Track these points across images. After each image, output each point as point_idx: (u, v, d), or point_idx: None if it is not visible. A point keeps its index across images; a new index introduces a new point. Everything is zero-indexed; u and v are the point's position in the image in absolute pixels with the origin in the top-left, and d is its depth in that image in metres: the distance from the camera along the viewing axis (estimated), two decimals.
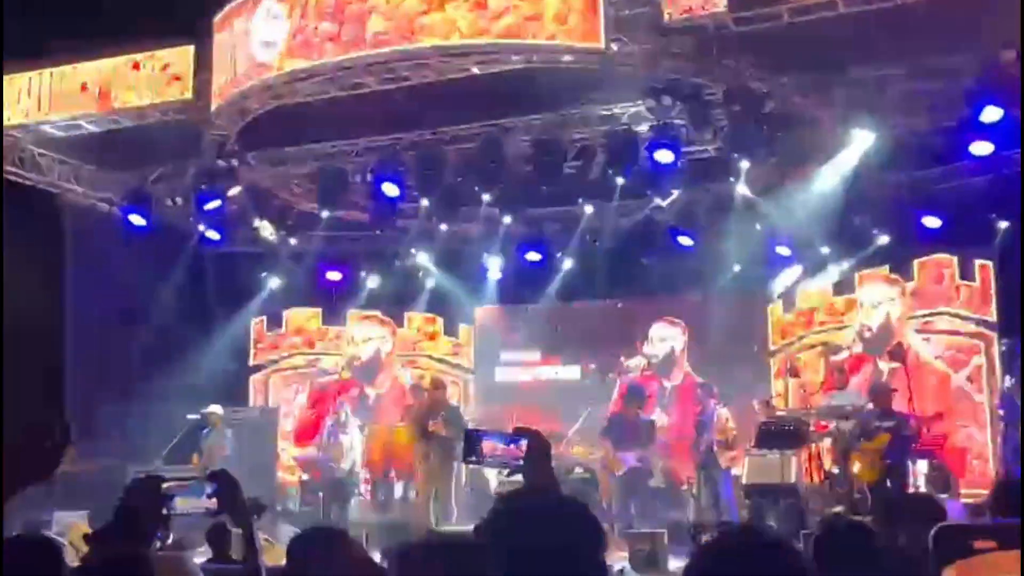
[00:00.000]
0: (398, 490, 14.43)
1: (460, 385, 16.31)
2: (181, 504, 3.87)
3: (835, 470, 12.06)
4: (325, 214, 13.98)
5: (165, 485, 3.87)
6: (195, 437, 12.45)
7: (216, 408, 12.66)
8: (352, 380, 16.33)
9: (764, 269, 14.52)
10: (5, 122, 12.17)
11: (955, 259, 13.23)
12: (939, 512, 5.11)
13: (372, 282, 16.17)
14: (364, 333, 16.60)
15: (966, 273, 13.19)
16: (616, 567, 7.33)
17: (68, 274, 14.06)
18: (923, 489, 10.92)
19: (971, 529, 1.75)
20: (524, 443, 3.65)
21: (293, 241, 14.74)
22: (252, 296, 16.07)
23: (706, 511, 11.68)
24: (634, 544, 9.12)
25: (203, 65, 11.55)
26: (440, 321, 16.48)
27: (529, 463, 3.62)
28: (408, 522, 11.46)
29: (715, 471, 11.33)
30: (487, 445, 3.66)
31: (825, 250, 13.81)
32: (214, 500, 3.86)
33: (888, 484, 10.27)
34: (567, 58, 10.30)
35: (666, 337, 15.51)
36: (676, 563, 8.96)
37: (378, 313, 16.47)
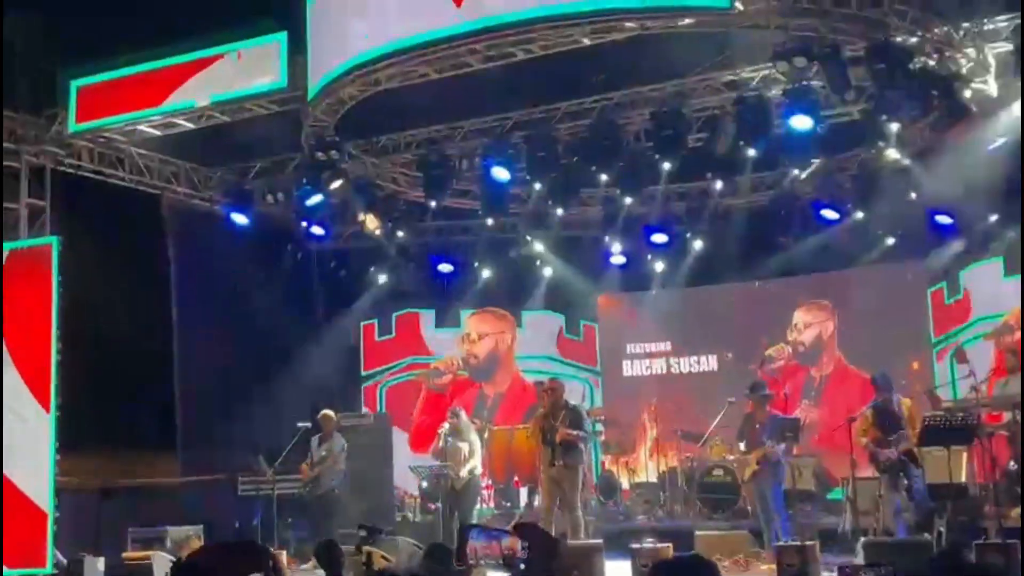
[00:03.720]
0: (523, 496, 14.42)
1: (585, 384, 16.20)
2: None
3: (1013, 466, 11.47)
4: (433, 204, 14.00)
5: None
6: (306, 446, 12.66)
7: (329, 412, 12.85)
8: (468, 380, 16.42)
9: (922, 242, 13.92)
10: (90, 125, 12.54)
11: None
12: None
13: (486, 273, 16.17)
14: (480, 328, 16.67)
15: None
16: None
17: (173, 277, 14.47)
18: None
19: None
20: (521, 542, 3.54)
21: (401, 234, 14.84)
22: (361, 294, 16.28)
23: (868, 516, 11.24)
24: (783, 558, 8.81)
25: (298, 50, 11.68)
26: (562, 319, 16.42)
27: (529, 568, 3.52)
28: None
29: (910, 470, 10.68)
30: (478, 546, 3.55)
31: (993, 217, 13.13)
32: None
33: None
34: (686, 21, 10.00)
35: (812, 322, 15.05)
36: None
37: (495, 308, 16.49)
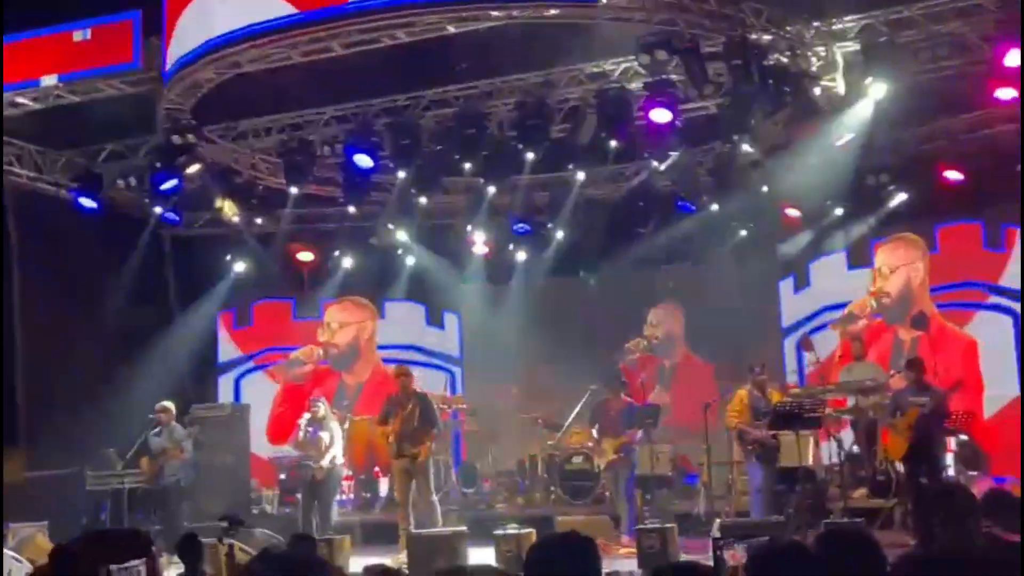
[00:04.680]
0: (384, 487, 14.38)
1: (447, 374, 16.25)
2: None
3: (856, 450, 12.04)
4: (293, 191, 13.82)
5: None
6: (146, 438, 12.39)
7: (167, 403, 12.53)
8: (329, 370, 16.26)
9: (773, 233, 14.45)
10: None
11: (980, 226, 13.17)
12: (974, 506, 5.07)
13: (347, 263, 16.03)
14: (341, 318, 16.52)
15: (993, 240, 13.13)
16: (624, 571, 7.26)
17: (15, 264, 13.87)
18: (952, 467, 10.89)
19: None
20: None
21: (259, 221, 14.58)
22: (217, 282, 15.91)
23: (721, 500, 11.64)
24: (643, 541, 9.05)
25: (152, 30, 11.35)
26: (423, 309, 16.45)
27: None
28: (396, 521, 11.40)
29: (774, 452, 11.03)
30: None
31: (839, 211, 13.73)
32: None
33: (918, 464, 10.20)
34: (552, 12, 10.13)
35: (662, 320, 15.46)
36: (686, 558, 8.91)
37: (356, 297, 16.37)
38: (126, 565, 5.71)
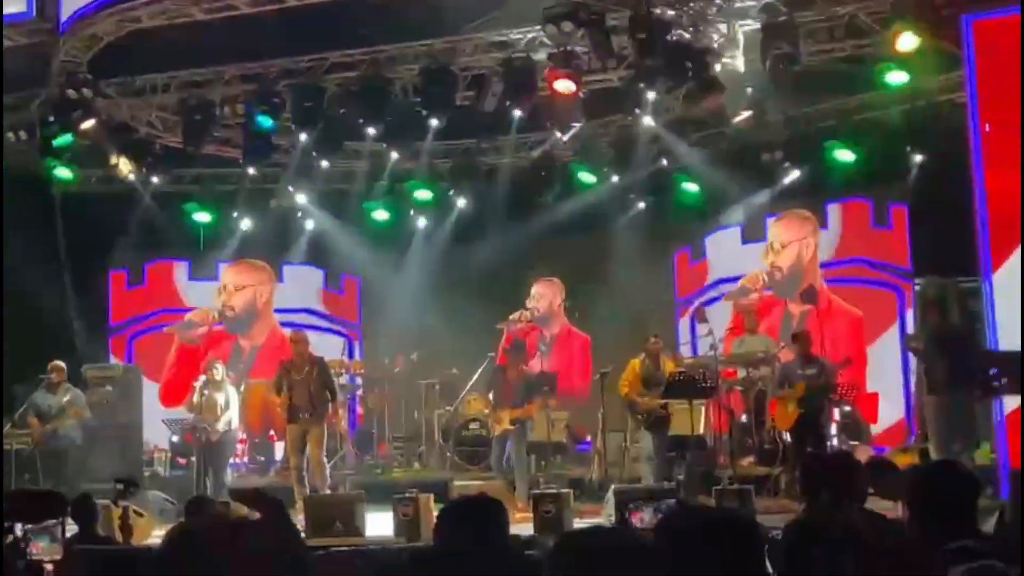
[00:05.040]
0: (279, 451, 14.33)
1: (345, 339, 16.21)
2: None
3: (744, 420, 12.43)
4: (191, 150, 13.56)
5: None
6: (34, 398, 12.15)
7: (59, 363, 12.30)
8: (224, 332, 16.08)
9: (671, 207, 14.73)
10: None
11: (870, 204, 13.63)
12: (860, 474, 5.33)
13: (245, 224, 15.81)
14: (238, 280, 16.32)
15: (881, 218, 13.60)
16: (523, 535, 7.40)
17: None
18: (836, 437, 11.31)
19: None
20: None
21: (156, 180, 14.28)
22: (110, 242, 15.56)
23: (614, 467, 11.90)
24: (539, 506, 9.23)
25: None
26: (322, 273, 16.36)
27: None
28: (291, 486, 11.39)
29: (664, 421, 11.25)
30: None
31: (735, 187, 14.06)
32: None
33: (805, 433, 10.59)
34: None
35: (543, 293, 15.65)
36: (581, 526, 9.13)
37: (254, 260, 16.18)
38: (43, 525, 5.67)
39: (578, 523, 9.20)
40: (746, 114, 12.17)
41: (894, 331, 13.35)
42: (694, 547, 2.57)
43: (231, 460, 13.02)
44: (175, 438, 13.72)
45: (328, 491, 11.13)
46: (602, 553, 2.41)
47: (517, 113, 12.40)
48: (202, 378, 12.30)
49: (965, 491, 3.84)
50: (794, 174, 13.59)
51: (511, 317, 14.52)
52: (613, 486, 10.00)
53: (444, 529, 3.49)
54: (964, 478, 3.94)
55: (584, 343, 15.27)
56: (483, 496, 3.64)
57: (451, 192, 15.03)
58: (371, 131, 13.13)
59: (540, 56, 11.77)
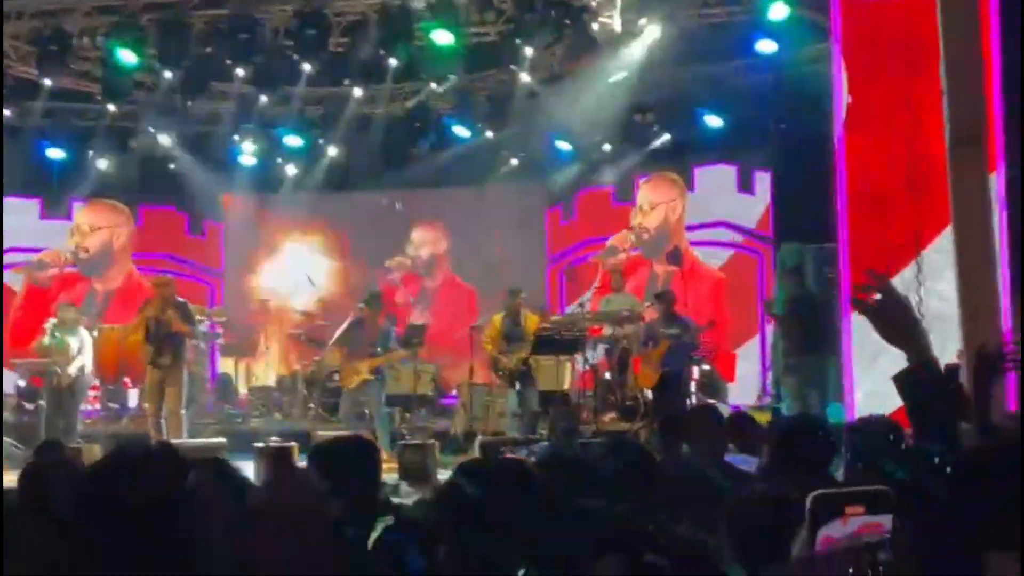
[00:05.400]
0: (133, 398, 13.99)
1: (206, 285, 15.85)
2: None
3: (608, 376, 12.67)
4: (47, 82, 12.99)
5: None
6: None
7: None
8: (77, 275, 15.54)
9: (543, 165, 14.84)
10: None
11: (736, 169, 13.96)
12: (720, 429, 5.51)
13: (103, 163, 15.23)
14: (93, 221, 15.75)
15: (746, 184, 13.95)
16: (390, 482, 7.41)
17: None
18: (694, 395, 11.63)
19: (844, 496, 1.98)
20: None
21: (7, 113, 13.62)
22: None
23: (479, 420, 11.98)
24: (405, 457, 9.25)
25: None
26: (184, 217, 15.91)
27: None
28: (145, 432, 11.12)
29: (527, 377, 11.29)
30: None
31: (607, 147, 14.22)
32: None
33: (666, 390, 10.85)
34: None
35: (427, 240, 15.62)
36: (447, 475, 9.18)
37: (111, 201, 15.64)
38: None
39: (443, 474, 9.25)
40: (621, 75, 12.29)
41: (754, 294, 13.77)
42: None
43: (82, 405, 12.64)
44: (21, 382, 13.21)
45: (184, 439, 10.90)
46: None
47: (393, 62, 12.24)
48: (52, 321, 11.88)
49: (823, 445, 4.02)
50: (664, 137, 13.82)
51: (388, 263, 14.40)
52: (479, 438, 10.09)
53: (321, 462, 3.46)
54: (823, 432, 4.12)
55: (471, 296, 15.20)
56: (358, 437, 3.64)
57: (322, 140, 14.79)
58: (240, 72, 12.80)
59: (418, 5, 11.63)
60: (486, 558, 2.10)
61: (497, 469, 2.34)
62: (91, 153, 15.08)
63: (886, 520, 1.97)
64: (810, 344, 10.85)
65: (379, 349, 11.17)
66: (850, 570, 1.88)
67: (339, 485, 3.34)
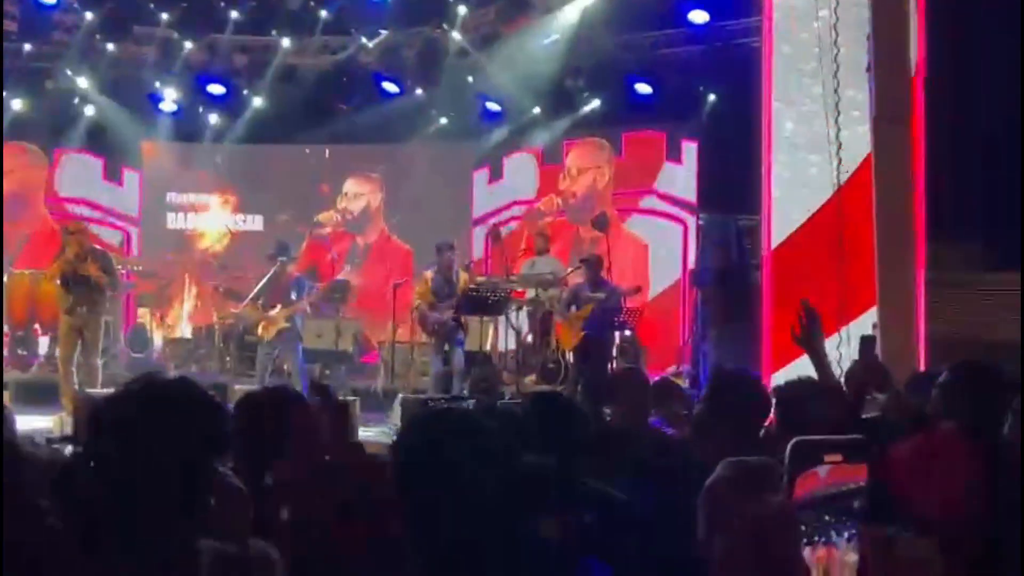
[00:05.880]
0: (43, 345, 13.76)
1: (122, 233, 15.58)
2: None
3: (530, 339, 12.79)
4: None
5: None
6: None
7: None
8: None
9: (472, 125, 14.83)
10: None
11: (664, 137, 14.11)
12: (645, 390, 5.62)
13: (17, 105, 14.82)
14: (5, 164, 15.31)
15: (673, 152, 14.11)
16: None
17: None
18: (615, 360, 11.80)
19: (825, 443, 2.06)
20: None
21: None
22: None
23: (401, 379, 12.01)
24: None
25: None
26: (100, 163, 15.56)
27: None
28: (55, 381, 10.94)
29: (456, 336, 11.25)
30: None
31: (536, 110, 14.26)
32: None
33: (588, 354, 11.00)
34: None
35: (361, 192, 15.53)
36: (367, 433, 9.20)
37: (25, 143, 15.24)
38: None
39: (363, 431, 9.28)
40: (554, 37, 12.32)
41: (677, 262, 13.98)
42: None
43: None
44: None
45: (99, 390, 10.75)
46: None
47: (323, 14, 12.12)
48: None
49: (757, 405, 4.10)
50: (594, 103, 13.91)
51: (318, 218, 14.23)
52: (400, 395, 10.13)
53: (243, 416, 3.46)
54: (756, 393, 4.19)
55: (407, 254, 15.07)
56: (284, 387, 3.67)
57: (246, 90, 14.58)
58: (164, 16, 12.55)
59: None
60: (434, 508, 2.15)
61: (449, 417, 2.35)
62: (3, 93, 14.66)
63: (862, 469, 2.07)
64: (731, 314, 11.08)
65: (293, 297, 11.05)
66: (826, 516, 1.97)
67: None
